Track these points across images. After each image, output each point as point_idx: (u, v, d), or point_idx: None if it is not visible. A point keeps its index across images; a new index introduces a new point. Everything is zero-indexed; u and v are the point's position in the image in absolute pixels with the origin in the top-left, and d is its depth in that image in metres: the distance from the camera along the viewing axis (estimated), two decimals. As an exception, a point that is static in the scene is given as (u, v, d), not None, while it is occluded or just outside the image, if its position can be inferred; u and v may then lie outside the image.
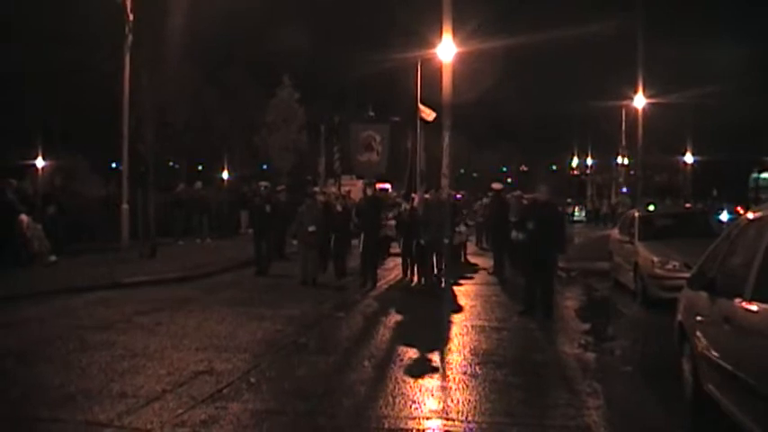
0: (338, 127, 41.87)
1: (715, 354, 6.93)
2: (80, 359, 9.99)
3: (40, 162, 34.17)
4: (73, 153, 31.86)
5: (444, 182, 18.53)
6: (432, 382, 9.18)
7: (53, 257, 20.56)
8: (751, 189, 74.58)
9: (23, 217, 20.12)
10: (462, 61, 23.05)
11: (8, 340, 11.39)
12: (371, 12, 58.02)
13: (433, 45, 21.90)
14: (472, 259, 24.05)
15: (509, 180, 74.33)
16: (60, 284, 16.72)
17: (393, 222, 20.79)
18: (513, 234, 14.89)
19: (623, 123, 59.20)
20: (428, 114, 28.91)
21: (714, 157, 66.39)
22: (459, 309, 14.98)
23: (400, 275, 19.89)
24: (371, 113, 46.68)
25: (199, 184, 33.57)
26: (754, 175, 79.23)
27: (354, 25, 56.65)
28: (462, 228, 23.00)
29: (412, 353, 10.71)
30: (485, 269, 21.62)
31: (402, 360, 10.27)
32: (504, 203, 21.74)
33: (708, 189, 68.06)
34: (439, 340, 11.64)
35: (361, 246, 18.54)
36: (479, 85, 41.58)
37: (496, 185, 22.88)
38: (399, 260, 20.43)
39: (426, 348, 10.94)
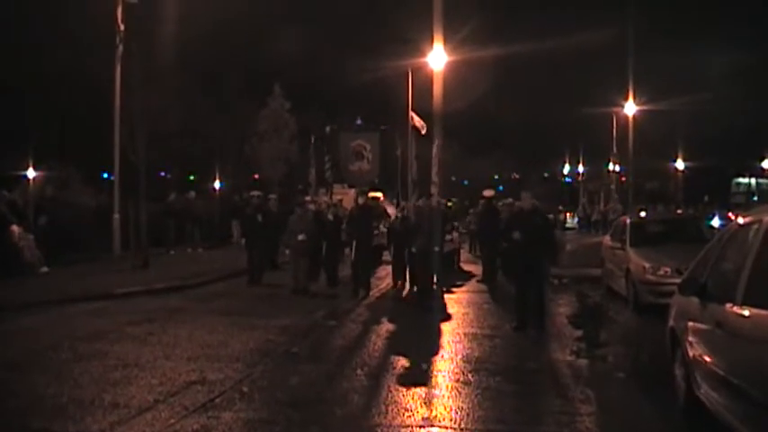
0: (329, 136, 41.88)
1: (707, 359, 6.94)
2: (72, 369, 9.98)
3: (30, 173, 34.04)
4: (64, 163, 31.74)
5: (434, 189, 18.55)
6: (424, 390, 9.19)
7: (45, 268, 20.52)
8: (733, 194, 74.91)
9: (14, 227, 20.07)
10: (454, 70, 23.12)
11: (0, 351, 11.35)
12: (363, 21, 58.11)
13: (425, 54, 21.97)
14: (465, 267, 24.08)
15: (501, 188, 74.39)
16: (52, 295, 16.68)
17: (384, 230, 20.79)
18: (503, 244, 14.86)
19: (614, 130, 59.30)
20: (422, 126, 28.98)
21: (705, 163, 66.66)
22: (451, 317, 15.00)
23: (392, 284, 19.88)
24: (360, 122, 46.71)
25: (192, 194, 33.54)
26: (738, 179, 79.59)
27: (346, 34, 56.68)
28: (455, 235, 23.02)
29: (404, 361, 10.72)
30: (478, 277, 21.63)
31: (394, 368, 10.27)
32: (495, 211, 21.76)
33: (699, 195, 68.14)
34: (431, 348, 11.65)
35: (353, 254, 18.55)
36: (471, 93, 41.59)
37: (488, 192, 22.89)
38: (391, 268, 20.41)
39: (419, 356, 10.95)
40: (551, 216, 23.70)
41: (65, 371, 9.94)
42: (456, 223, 26.82)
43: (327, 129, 42.70)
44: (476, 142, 69.13)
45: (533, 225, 13.40)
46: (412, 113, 31.05)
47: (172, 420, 7.75)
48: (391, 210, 26.72)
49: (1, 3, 33.39)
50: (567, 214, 64.44)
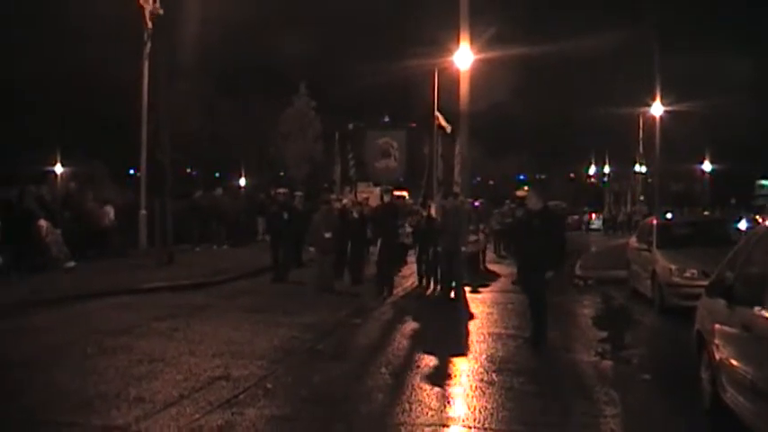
0: (353, 134, 41.88)
1: (733, 362, 6.89)
2: (97, 364, 10.03)
3: (58, 168, 34.40)
4: (91, 160, 32.02)
5: (456, 188, 18.50)
6: (448, 389, 9.18)
7: (71, 263, 20.64)
8: (756, 197, 74.39)
9: (42, 222, 20.19)
10: (479, 69, 23.05)
11: (26, 345, 11.44)
12: (389, 20, 58.08)
13: (451, 53, 21.92)
14: (491, 267, 24.00)
15: (526, 188, 74.13)
16: (78, 290, 16.73)
17: (409, 230, 20.76)
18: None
19: (641, 131, 59.01)
20: (446, 126, 28.98)
21: (731, 165, 66.22)
22: (475, 316, 14.98)
23: (416, 283, 19.87)
24: (386, 120, 46.61)
25: (219, 191, 33.60)
26: (762, 182, 79.07)
27: (371, 33, 56.72)
28: (481, 236, 22.96)
29: (428, 360, 10.71)
30: (503, 277, 21.58)
31: (419, 367, 10.26)
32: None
33: (725, 197, 67.70)
34: (455, 347, 11.63)
35: (377, 253, 18.53)
36: (496, 92, 41.54)
37: (522, 193, 22.84)
38: (415, 268, 20.39)
39: (443, 356, 10.94)
40: (576, 217, 23.61)
41: (90, 365, 9.99)
42: (484, 224, 26.84)
43: (350, 126, 42.62)
44: (501, 142, 69.01)
45: (541, 227, 12.32)
46: (437, 114, 31.03)
47: (196, 416, 7.78)
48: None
49: (24, 3, 33.73)
50: (593, 215, 64.26)
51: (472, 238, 20.09)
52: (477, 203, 27.28)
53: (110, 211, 24.75)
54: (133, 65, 24.75)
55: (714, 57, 56.11)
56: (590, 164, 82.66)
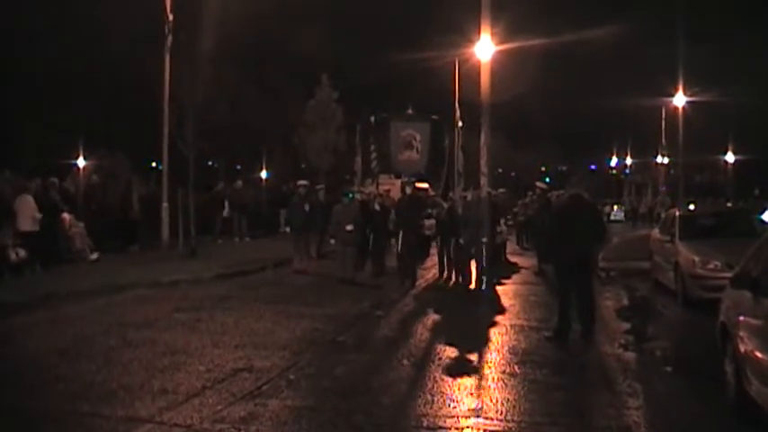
0: (375, 126, 41.78)
1: (759, 355, 6.84)
2: (121, 356, 10.09)
3: (81, 161, 34.51)
4: (113, 153, 32.13)
5: (483, 180, 18.43)
6: (470, 380, 9.17)
7: (95, 255, 20.77)
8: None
9: (66, 215, 20.34)
10: (500, 60, 22.97)
11: (51, 337, 11.51)
12: (410, 10, 57.96)
13: (473, 43, 21.86)
14: (512, 259, 23.94)
15: (548, 179, 74.05)
16: (101, 282, 16.83)
17: (432, 221, 20.73)
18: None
19: (663, 122, 58.63)
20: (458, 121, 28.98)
21: (756, 156, 65.63)
22: (498, 308, 14.91)
23: (438, 275, 19.85)
24: (410, 111, 46.50)
25: (239, 183, 33.69)
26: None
27: (393, 24, 56.60)
28: (503, 227, 22.90)
29: (450, 352, 10.71)
30: (525, 268, 21.53)
31: (440, 359, 10.26)
32: (549, 202, 21.58)
33: (749, 188, 67.14)
34: (478, 339, 11.61)
35: (399, 245, 18.52)
36: (518, 83, 41.35)
37: (541, 184, 22.75)
38: (437, 259, 20.37)
39: (465, 347, 10.92)
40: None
41: (113, 357, 10.05)
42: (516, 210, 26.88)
43: (372, 119, 42.48)
44: (523, 134, 68.85)
45: (580, 218, 12.13)
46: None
47: (219, 407, 7.82)
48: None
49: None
50: (615, 206, 64.06)
51: (498, 229, 20.02)
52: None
53: (134, 203, 24.93)
54: (157, 58, 24.75)
55: (739, 45, 55.58)
56: (612, 155, 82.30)
